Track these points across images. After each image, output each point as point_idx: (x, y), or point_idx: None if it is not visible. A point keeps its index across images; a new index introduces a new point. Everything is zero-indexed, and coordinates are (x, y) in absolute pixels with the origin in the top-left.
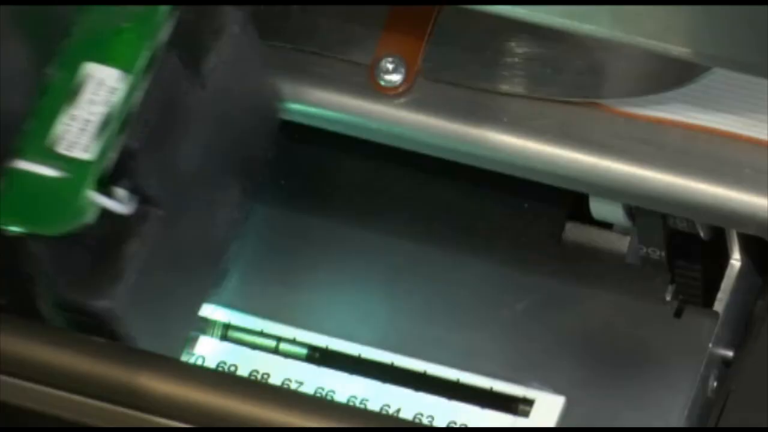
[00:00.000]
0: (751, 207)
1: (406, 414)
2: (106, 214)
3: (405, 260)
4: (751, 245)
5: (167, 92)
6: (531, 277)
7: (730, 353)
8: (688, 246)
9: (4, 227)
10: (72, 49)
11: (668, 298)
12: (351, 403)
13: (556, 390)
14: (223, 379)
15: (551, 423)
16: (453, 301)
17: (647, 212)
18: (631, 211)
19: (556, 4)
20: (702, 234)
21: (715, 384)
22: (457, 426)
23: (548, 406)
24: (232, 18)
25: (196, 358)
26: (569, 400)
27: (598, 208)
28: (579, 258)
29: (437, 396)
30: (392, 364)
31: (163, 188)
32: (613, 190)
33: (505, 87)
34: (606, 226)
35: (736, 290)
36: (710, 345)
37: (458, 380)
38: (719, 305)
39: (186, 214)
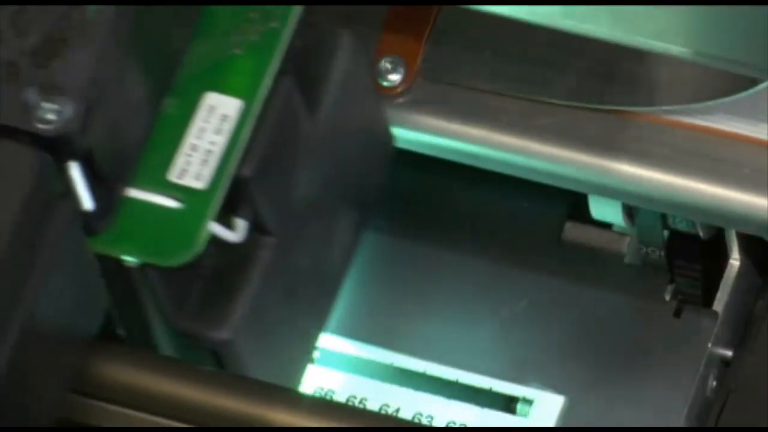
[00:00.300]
0: (751, 207)
1: (406, 414)
2: (219, 243)
3: (403, 259)
4: (751, 245)
5: (281, 119)
6: (530, 277)
7: (729, 353)
8: (687, 246)
9: (121, 257)
10: (187, 79)
11: (668, 298)
12: (350, 403)
13: (556, 390)
14: (223, 379)
15: (551, 423)
16: (452, 300)
17: (647, 212)
18: (631, 211)
19: (556, 4)
20: (701, 234)
21: (714, 384)
22: (457, 426)
23: (548, 406)
24: (345, 42)
25: None
26: (569, 400)
27: (598, 208)
28: (578, 258)
29: (437, 396)
30: (391, 363)
31: (276, 216)
32: (613, 190)
33: (505, 87)
34: (605, 226)
35: (735, 290)
36: (709, 345)
37: (457, 380)
38: (719, 305)
39: (300, 243)
